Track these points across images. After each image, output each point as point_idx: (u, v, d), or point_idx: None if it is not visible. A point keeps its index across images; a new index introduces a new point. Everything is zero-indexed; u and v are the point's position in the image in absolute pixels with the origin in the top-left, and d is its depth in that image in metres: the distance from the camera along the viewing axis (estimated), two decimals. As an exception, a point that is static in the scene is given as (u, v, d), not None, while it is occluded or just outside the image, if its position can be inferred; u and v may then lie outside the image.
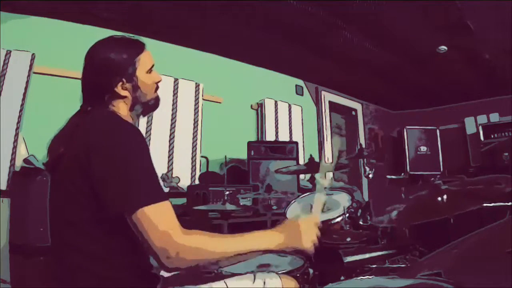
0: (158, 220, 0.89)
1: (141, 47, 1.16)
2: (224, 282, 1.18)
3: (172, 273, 1.13)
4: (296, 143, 3.66)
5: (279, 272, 1.40)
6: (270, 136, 4.09)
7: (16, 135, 2.53)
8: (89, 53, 1.12)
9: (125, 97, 1.12)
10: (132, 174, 0.92)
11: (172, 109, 3.40)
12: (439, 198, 1.22)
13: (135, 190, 0.91)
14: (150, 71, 1.17)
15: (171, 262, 0.90)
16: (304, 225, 1.09)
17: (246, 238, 1.03)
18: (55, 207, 1.08)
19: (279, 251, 1.06)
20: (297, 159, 3.55)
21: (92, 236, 0.98)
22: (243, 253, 1.00)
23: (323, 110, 4.93)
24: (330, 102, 5.08)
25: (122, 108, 1.14)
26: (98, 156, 0.94)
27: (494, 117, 5.17)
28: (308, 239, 1.08)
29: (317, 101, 4.91)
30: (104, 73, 1.09)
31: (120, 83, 1.10)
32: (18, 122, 2.56)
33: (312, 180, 2.61)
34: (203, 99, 3.61)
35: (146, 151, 0.98)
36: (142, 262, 1.07)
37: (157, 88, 1.21)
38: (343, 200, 2.06)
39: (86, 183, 0.95)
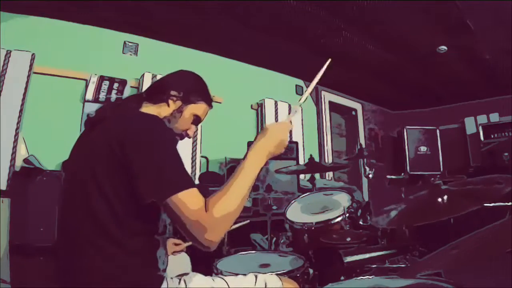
0: (190, 203, 0.94)
1: (210, 100, 1.37)
2: (225, 281, 1.19)
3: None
4: (296, 143, 3.65)
5: (280, 272, 1.41)
6: (270, 136, 4.08)
7: (16, 135, 2.53)
8: (180, 70, 1.39)
9: (168, 106, 1.27)
10: (168, 165, 0.99)
11: (172, 109, 3.40)
12: (439, 199, 1.21)
13: (170, 178, 0.97)
14: (195, 119, 1.33)
15: (209, 239, 0.94)
16: (276, 128, 1.14)
17: (244, 173, 1.05)
18: (76, 199, 1.05)
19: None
20: (297, 159, 3.55)
21: (111, 235, 0.99)
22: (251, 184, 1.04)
23: (323, 110, 4.93)
24: (330, 102, 5.08)
25: (158, 113, 1.25)
26: (136, 148, 0.99)
27: (494, 117, 5.16)
28: (281, 143, 1.13)
29: (317, 101, 4.91)
30: (177, 82, 1.31)
31: (177, 96, 1.27)
32: (18, 122, 2.56)
33: (312, 180, 2.61)
34: (203, 99, 3.61)
35: (175, 147, 1.06)
36: (152, 263, 1.08)
37: (182, 136, 1.33)
38: (343, 200, 2.06)
39: (118, 177, 0.98)
